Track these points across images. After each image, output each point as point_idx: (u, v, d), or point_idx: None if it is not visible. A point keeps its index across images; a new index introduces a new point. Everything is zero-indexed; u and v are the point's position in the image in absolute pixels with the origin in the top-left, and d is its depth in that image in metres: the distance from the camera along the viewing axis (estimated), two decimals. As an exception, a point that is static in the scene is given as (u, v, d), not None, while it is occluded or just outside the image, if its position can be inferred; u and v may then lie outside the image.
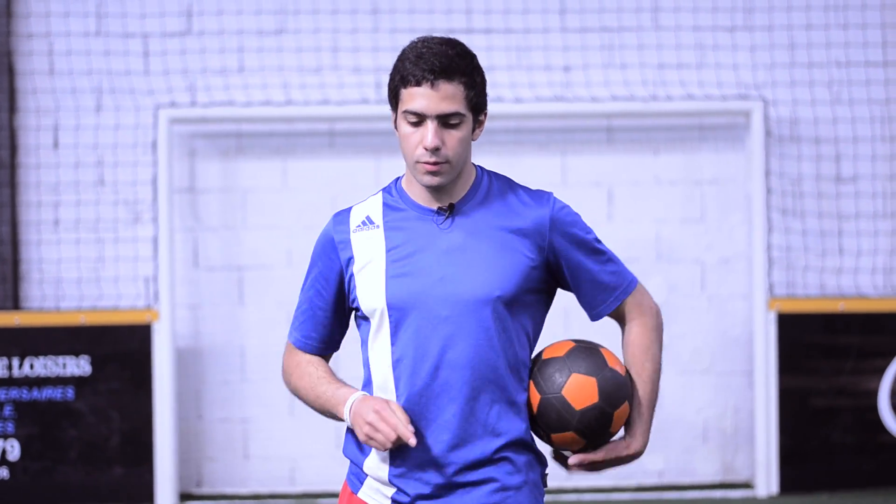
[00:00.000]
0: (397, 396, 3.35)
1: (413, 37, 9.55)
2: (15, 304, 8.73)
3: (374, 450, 3.38)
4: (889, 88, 8.94)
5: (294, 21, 8.83)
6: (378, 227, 3.37)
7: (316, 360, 3.48)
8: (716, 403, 8.92)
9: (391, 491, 3.37)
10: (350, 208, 3.46)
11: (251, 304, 8.84)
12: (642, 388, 3.39)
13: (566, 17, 8.87)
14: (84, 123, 8.77)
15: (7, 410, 8.45)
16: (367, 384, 3.42)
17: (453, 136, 3.29)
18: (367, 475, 3.40)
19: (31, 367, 8.46)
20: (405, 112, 3.29)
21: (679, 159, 8.91)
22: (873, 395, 8.62)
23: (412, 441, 3.23)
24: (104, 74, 8.76)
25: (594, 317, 3.46)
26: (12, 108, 8.78)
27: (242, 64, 8.81)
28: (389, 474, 3.37)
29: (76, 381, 8.45)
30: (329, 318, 3.45)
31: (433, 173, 3.30)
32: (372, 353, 3.39)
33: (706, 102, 8.80)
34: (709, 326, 8.91)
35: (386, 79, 8.75)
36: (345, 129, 8.83)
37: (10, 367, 8.45)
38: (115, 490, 8.46)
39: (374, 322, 3.37)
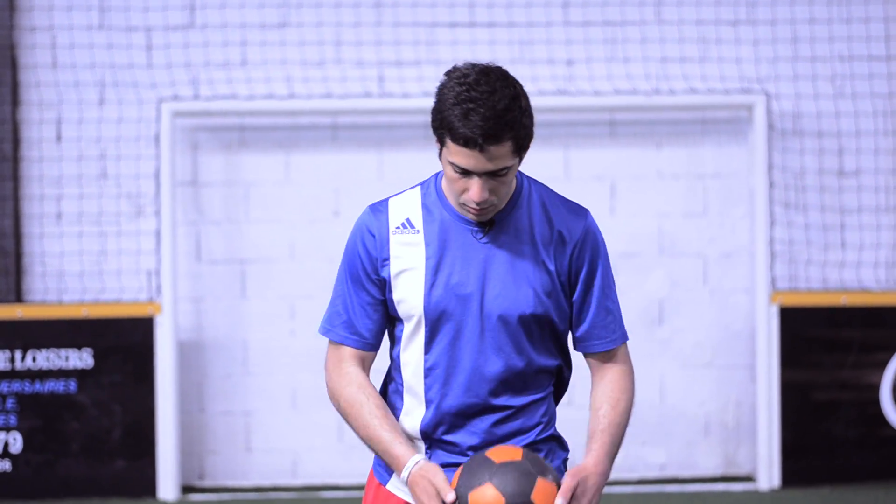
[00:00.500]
0: (426, 402, 3.37)
1: (416, 31, 9.48)
2: (18, 296, 8.74)
3: None
4: (892, 83, 8.94)
5: (297, 14, 8.83)
6: (419, 232, 3.35)
7: (365, 382, 3.41)
8: (718, 397, 8.92)
9: None
10: (387, 202, 3.42)
11: (254, 298, 8.84)
12: (610, 417, 3.35)
13: (569, 11, 8.87)
14: (87, 117, 8.78)
15: (9, 403, 8.46)
16: (397, 385, 3.42)
17: (500, 183, 3.26)
18: None
19: (34, 359, 8.46)
20: (451, 163, 3.24)
21: (682, 153, 8.91)
22: (875, 389, 8.61)
23: None
24: (107, 68, 8.77)
25: (586, 347, 3.42)
26: (15, 101, 8.79)
27: (245, 57, 8.82)
28: None
29: (78, 374, 8.46)
30: (378, 311, 3.40)
31: (479, 214, 3.29)
32: (405, 355, 3.40)
33: (709, 96, 8.79)
34: (711, 320, 8.91)
35: (388, 72, 8.81)
36: (348, 123, 8.83)
37: (12, 360, 8.46)
38: (117, 483, 8.47)
39: (408, 326, 3.37)
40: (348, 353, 3.43)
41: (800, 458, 8.57)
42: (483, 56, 8.78)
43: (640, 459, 8.87)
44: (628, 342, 3.46)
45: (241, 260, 8.84)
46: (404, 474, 3.31)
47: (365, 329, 3.41)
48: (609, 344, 3.41)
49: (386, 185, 8.73)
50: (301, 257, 8.82)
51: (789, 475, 8.56)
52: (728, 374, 8.91)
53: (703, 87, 8.86)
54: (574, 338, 3.43)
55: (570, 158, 8.86)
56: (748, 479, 8.82)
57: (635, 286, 8.78)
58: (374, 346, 3.45)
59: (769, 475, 8.57)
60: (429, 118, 9.27)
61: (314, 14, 8.83)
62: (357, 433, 3.40)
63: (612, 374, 3.41)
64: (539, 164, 8.76)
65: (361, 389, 3.39)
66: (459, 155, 3.20)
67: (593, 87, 8.85)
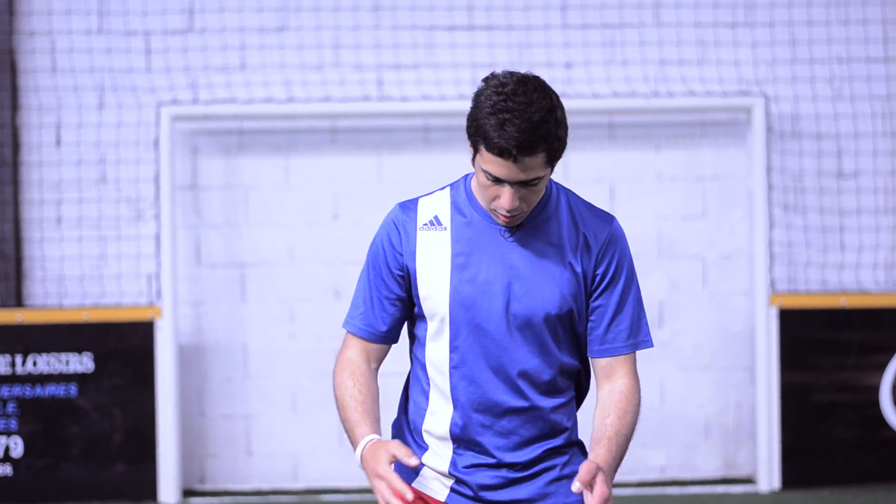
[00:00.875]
0: (453, 400, 3.40)
1: (415, 35, 9.47)
2: (18, 301, 8.75)
3: (430, 447, 3.45)
4: (890, 84, 8.95)
5: (296, 18, 8.84)
6: (446, 229, 3.39)
7: (359, 369, 3.45)
8: (717, 399, 8.93)
9: (450, 481, 3.44)
10: (416, 201, 3.46)
11: (253, 301, 8.85)
12: (617, 426, 3.36)
13: (567, 14, 8.88)
14: (86, 121, 8.79)
15: (10, 407, 8.47)
16: (422, 385, 3.44)
17: (532, 192, 3.30)
18: (423, 465, 3.44)
19: (35, 364, 8.47)
20: (484, 170, 3.27)
21: (680, 155, 8.92)
22: (875, 390, 8.62)
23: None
24: (106, 72, 8.78)
25: (598, 352, 3.43)
26: (15, 105, 8.80)
27: (244, 61, 8.83)
28: (450, 469, 3.42)
29: (79, 378, 8.46)
30: (396, 305, 3.46)
31: (509, 220, 3.32)
32: (429, 353, 3.43)
33: (707, 98, 8.80)
34: (710, 322, 8.92)
35: (387, 76, 8.81)
36: (347, 127, 8.84)
37: (13, 364, 8.47)
38: (118, 487, 8.48)
39: (432, 325, 3.40)
40: (357, 344, 3.49)
41: (800, 460, 8.58)
42: (482, 59, 8.79)
43: (640, 462, 8.88)
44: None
45: (241, 263, 8.85)
46: (358, 451, 3.35)
47: (381, 321, 3.46)
48: (618, 351, 3.43)
49: (385, 189, 8.75)
50: (300, 261, 8.83)
51: (789, 477, 8.57)
52: (728, 376, 8.92)
53: (702, 89, 8.88)
54: (587, 340, 3.44)
55: (569, 161, 8.87)
56: (748, 481, 8.83)
57: (635, 289, 8.79)
58: (387, 339, 3.49)
59: (769, 477, 8.58)
60: (427, 122, 9.27)
61: (313, 18, 8.84)
62: (338, 414, 3.46)
63: (620, 388, 3.43)
64: (538, 166, 8.80)
65: (352, 375, 3.44)
66: (493, 164, 3.24)
67: (592, 89, 8.87)
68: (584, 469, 3.20)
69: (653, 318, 8.88)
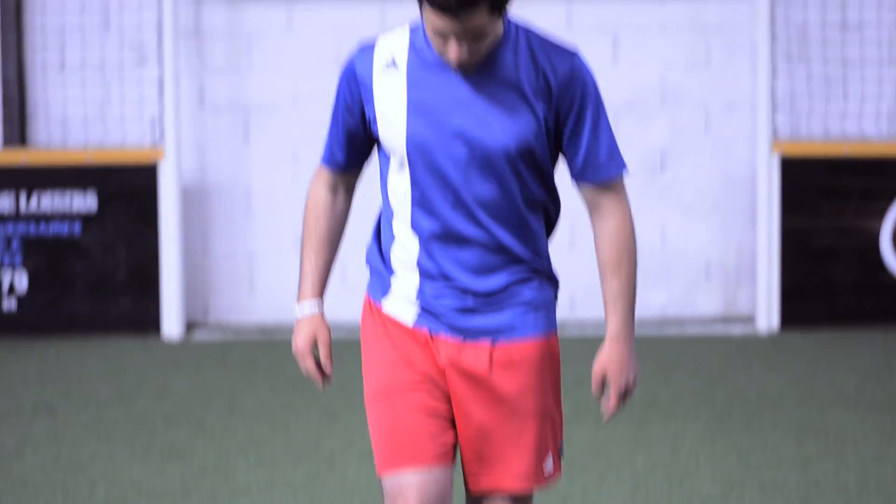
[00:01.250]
0: (417, 232, 3.43)
1: None
2: (22, 141, 8.76)
3: (398, 273, 3.48)
4: (898, -63, 8.91)
5: None
6: (401, 69, 3.38)
7: (326, 207, 3.54)
8: (718, 242, 8.96)
9: (417, 307, 3.47)
10: (375, 42, 3.45)
11: (256, 144, 8.87)
12: (616, 285, 3.37)
13: None
14: (89, -33, 8.77)
15: (15, 244, 8.51)
16: (388, 214, 3.49)
17: (479, 44, 3.29)
18: (391, 287, 3.50)
19: (39, 203, 8.50)
20: (429, 23, 3.27)
21: (685, 6, 8.89)
22: (875, 236, 8.66)
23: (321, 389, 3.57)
24: (109, -81, 8.75)
25: (581, 177, 3.42)
26: (17, -47, 8.78)
27: None
28: (417, 296, 3.46)
29: (83, 218, 8.50)
30: (353, 141, 3.49)
31: (459, 68, 3.33)
32: (393, 186, 3.45)
33: (712, -50, 8.77)
34: (713, 168, 8.94)
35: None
36: (350, -25, 8.81)
37: (17, 203, 8.50)
38: (122, 320, 8.55)
39: (394, 160, 3.42)
40: (325, 174, 3.57)
41: (799, 301, 8.63)
42: None
43: (640, 299, 8.86)
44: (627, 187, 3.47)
45: (245, 108, 8.86)
46: (297, 312, 3.57)
47: (340, 154, 3.52)
48: (603, 173, 3.42)
49: (388, 36, 8.73)
50: (303, 105, 8.84)
51: (788, 317, 8.62)
52: (729, 221, 8.95)
53: (707, -61, 8.84)
54: (570, 174, 3.45)
55: (572, 11, 8.85)
56: (747, 319, 8.87)
57: (637, 135, 8.80)
58: (349, 169, 3.55)
59: (768, 316, 8.62)
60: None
61: None
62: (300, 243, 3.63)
63: (608, 231, 3.42)
64: (542, 17, 8.74)
65: (316, 218, 3.56)
66: (435, 19, 3.25)
67: (596, -60, 8.83)
68: (593, 380, 3.40)
69: (654, 163, 8.90)
